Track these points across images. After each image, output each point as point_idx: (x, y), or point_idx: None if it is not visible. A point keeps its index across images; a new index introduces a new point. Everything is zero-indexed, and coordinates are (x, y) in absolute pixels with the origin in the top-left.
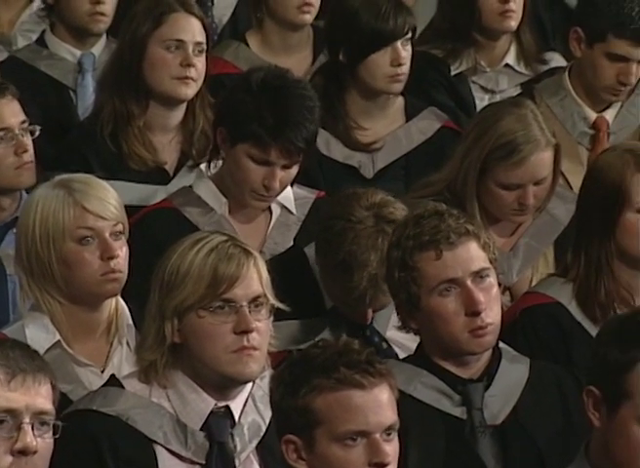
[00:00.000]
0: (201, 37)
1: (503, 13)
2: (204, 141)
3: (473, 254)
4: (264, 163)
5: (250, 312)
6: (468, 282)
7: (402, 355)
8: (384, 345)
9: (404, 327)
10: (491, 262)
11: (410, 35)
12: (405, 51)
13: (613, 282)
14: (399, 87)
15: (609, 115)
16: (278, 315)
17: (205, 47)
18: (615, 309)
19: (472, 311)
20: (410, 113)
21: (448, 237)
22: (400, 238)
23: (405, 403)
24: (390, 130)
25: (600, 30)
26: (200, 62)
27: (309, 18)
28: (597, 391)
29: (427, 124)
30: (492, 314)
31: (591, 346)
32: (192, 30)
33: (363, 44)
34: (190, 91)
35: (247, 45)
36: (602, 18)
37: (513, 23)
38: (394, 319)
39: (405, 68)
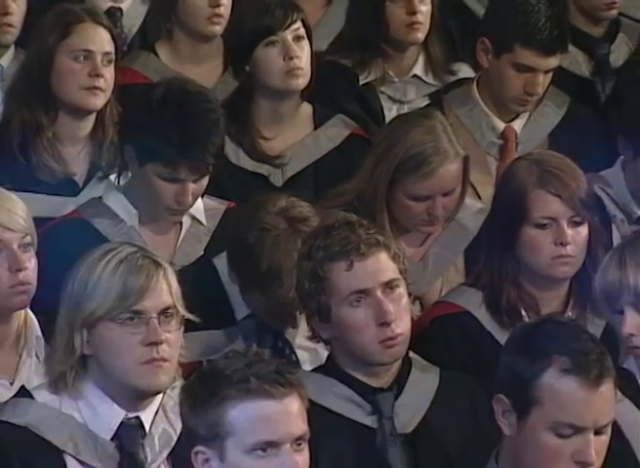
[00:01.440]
0: (109, 47)
1: (411, 25)
2: (114, 152)
3: (383, 265)
4: (175, 180)
5: (160, 323)
6: (378, 292)
7: (312, 361)
8: (294, 358)
9: (314, 337)
10: (401, 273)
11: (301, 30)
12: (298, 46)
13: (517, 292)
14: (299, 82)
15: (517, 125)
16: (188, 326)
17: (114, 57)
18: (522, 317)
19: (382, 322)
20: (318, 121)
21: (358, 248)
22: (311, 249)
23: (315, 413)
24: (299, 138)
25: (507, 41)
26: (109, 73)
27: (219, 29)
28: (506, 399)
29: (336, 131)
30: (402, 324)
31: (500, 355)
32: (100, 40)
33: (248, 42)
34: (99, 101)
35: (156, 55)
36: (509, 28)
37: (420, 35)
38: (303, 327)
39: (300, 62)
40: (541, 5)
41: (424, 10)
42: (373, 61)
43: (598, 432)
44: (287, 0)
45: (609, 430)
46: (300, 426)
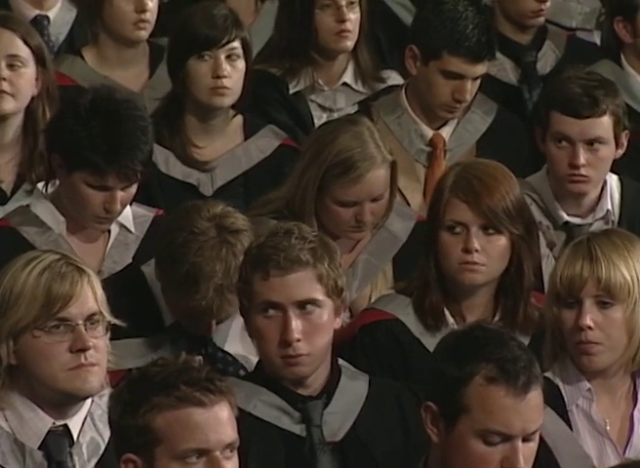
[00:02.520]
0: (18, 50)
1: (339, 33)
2: (42, 160)
3: (302, 284)
4: (103, 188)
5: (86, 330)
6: (289, 310)
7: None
8: (229, 358)
9: (249, 333)
10: (328, 294)
11: (238, 50)
12: (231, 65)
13: (442, 296)
14: (223, 100)
15: (445, 132)
16: (117, 333)
17: (27, 61)
18: (447, 321)
19: (284, 339)
20: (248, 131)
21: (279, 262)
22: (250, 246)
23: (245, 421)
24: (229, 148)
25: (435, 48)
26: (19, 77)
27: (145, 34)
28: (435, 406)
29: (266, 142)
30: (307, 346)
31: (429, 362)
32: (5, 43)
33: (184, 50)
34: (7, 105)
35: (83, 59)
36: (437, 35)
37: (349, 43)
38: (233, 332)
39: (228, 82)
40: (469, 12)
41: (353, 18)
42: (302, 70)
43: (526, 439)
44: (231, 17)
45: (537, 437)
46: (230, 434)
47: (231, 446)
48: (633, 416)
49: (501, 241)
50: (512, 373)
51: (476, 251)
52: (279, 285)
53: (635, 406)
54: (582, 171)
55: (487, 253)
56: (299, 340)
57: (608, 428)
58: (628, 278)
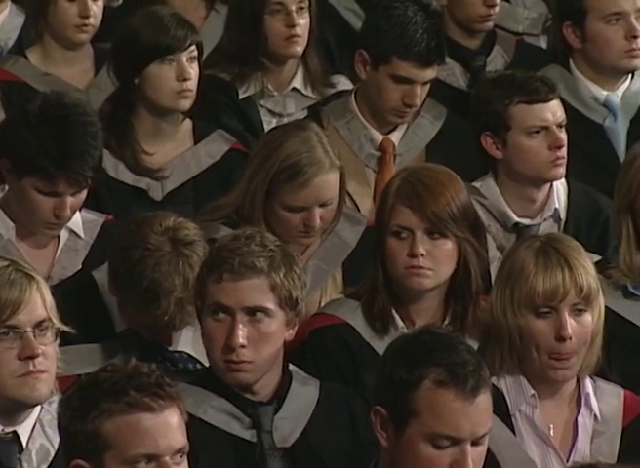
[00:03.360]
0: None
1: (289, 38)
2: None
3: (254, 291)
4: (53, 194)
5: (35, 337)
6: (237, 315)
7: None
8: (185, 355)
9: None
10: (280, 305)
11: (195, 53)
12: (191, 67)
13: (390, 299)
14: (186, 103)
15: (395, 137)
16: (68, 339)
17: None
18: (397, 324)
19: (228, 344)
20: (198, 136)
21: (233, 266)
22: (211, 249)
23: (194, 426)
24: (178, 153)
25: (384, 52)
26: None
27: (87, 37)
28: (384, 410)
29: (216, 147)
30: (251, 354)
31: (378, 366)
32: None
33: (143, 58)
34: None
35: (27, 59)
36: (386, 40)
37: (299, 48)
38: (185, 337)
39: (191, 84)
40: (418, 17)
41: (303, 23)
42: (252, 75)
43: (475, 443)
44: (185, 21)
45: (486, 441)
46: (180, 439)
47: (181, 451)
48: (577, 421)
49: (448, 245)
50: (461, 377)
51: (422, 255)
52: (231, 289)
53: (579, 410)
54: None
55: (433, 258)
56: (243, 346)
57: (552, 433)
58: (596, 282)
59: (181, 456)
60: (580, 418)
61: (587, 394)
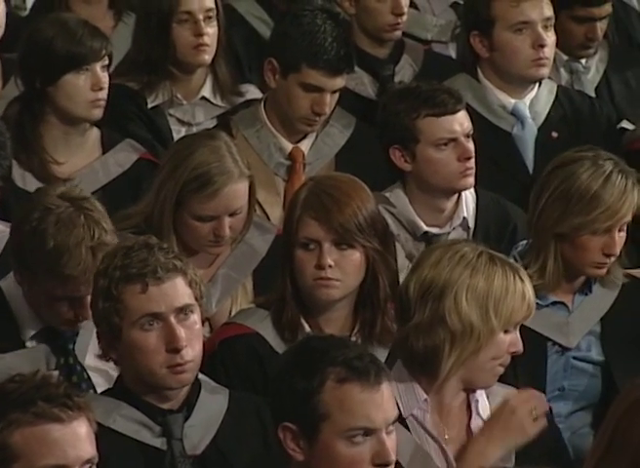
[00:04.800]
0: None
1: (197, 47)
2: None
3: (179, 291)
4: None
5: None
6: (171, 318)
7: (105, 382)
8: (85, 375)
9: (104, 356)
10: (196, 299)
11: (107, 62)
12: (104, 76)
13: (300, 309)
14: (100, 113)
15: (304, 146)
16: None
17: None
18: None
19: (172, 348)
20: (106, 146)
21: (155, 271)
22: (108, 268)
23: (104, 435)
24: (87, 162)
25: (294, 61)
26: None
27: None
28: (292, 425)
29: (124, 156)
30: (192, 352)
31: (273, 384)
32: None
33: (58, 67)
34: None
35: None
36: (296, 48)
37: (207, 57)
38: (93, 344)
39: (105, 94)
40: (327, 26)
41: (211, 32)
42: (160, 84)
43: (387, 431)
44: (98, 31)
45: (394, 429)
46: (89, 450)
47: (90, 462)
48: (471, 427)
49: (355, 255)
50: (362, 369)
51: (330, 266)
52: (158, 294)
53: (471, 417)
54: None
55: (341, 268)
56: (185, 346)
57: (446, 437)
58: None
59: (90, 467)
60: (472, 425)
61: (477, 401)
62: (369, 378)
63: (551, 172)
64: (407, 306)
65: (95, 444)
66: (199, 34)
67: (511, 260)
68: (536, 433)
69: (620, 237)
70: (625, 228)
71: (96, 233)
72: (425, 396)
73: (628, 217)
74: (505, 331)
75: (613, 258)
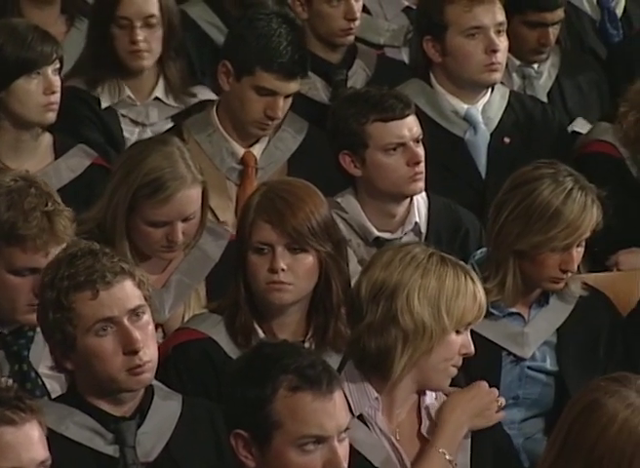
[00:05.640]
0: None
1: (133, 52)
2: None
3: (129, 293)
4: None
5: None
6: (125, 320)
7: (61, 388)
8: (39, 381)
9: (58, 367)
10: (146, 299)
11: (58, 65)
12: (56, 80)
13: (253, 314)
14: (53, 116)
15: (257, 150)
16: None
17: None
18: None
19: (130, 350)
20: (59, 151)
21: (104, 276)
22: (54, 278)
23: (56, 442)
24: (39, 168)
25: (248, 64)
26: None
27: None
28: (244, 432)
29: (77, 161)
30: (149, 352)
31: (226, 390)
32: None
33: (9, 73)
34: None
35: None
36: (250, 51)
37: (144, 62)
38: (47, 355)
39: (57, 97)
40: (282, 29)
41: (150, 37)
42: (112, 85)
43: (339, 439)
44: (48, 35)
45: (347, 437)
46: (42, 452)
47: (43, 464)
48: (421, 433)
49: (308, 259)
50: (314, 377)
51: (282, 270)
52: (109, 299)
53: (421, 423)
54: None
55: (294, 272)
56: (142, 348)
57: (398, 438)
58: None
59: None
60: (423, 430)
61: (426, 407)
62: (321, 387)
63: (511, 189)
64: (358, 307)
65: (47, 447)
66: (134, 40)
67: (463, 263)
68: (497, 421)
69: (579, 252)
70: (584, 243)
71: (49, 201)
72: (377, 394)
73: (587, 234)
74: (457, 332)
75: (570, 274)
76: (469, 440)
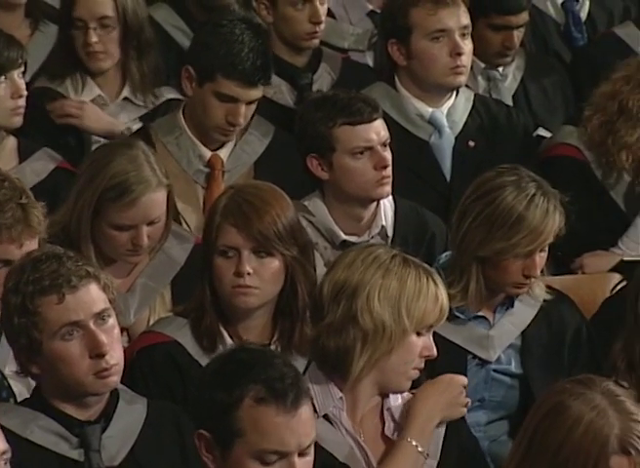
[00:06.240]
0: None
1: (89, 54)
2: None
3: (94, 296)
4: None
5: None
6: (91, 324)
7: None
8: (5, 382)
9: (23, 372)
10: (111, 303)
11: (23, 69)
12: (22, 84)
13: (218, 317)
14: (20, 120)
15: (223, 153)
16: None
17: None
18: (225, 342)
19: (96, 353)
20: (23, 155)
21: (69, 280)
22: (18, 283)
23: (21, 447)
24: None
25: (210, 70)
26: None
27: None
28: (208, 434)
29: (41, 165)
30: (115, 355)
31: (196, 389)
32: None
33: None
34: None
35: None
36: (212, 57)
37: (102, 64)
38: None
39: (24, 101)
40: (245, 36)
41: (107, 39)
42: (75, 80)
43: (302, 453)
44: (14, 39)
45: (312, 450)
46: (1, 445)
47: (3, 456)
48: (385, 435)
49: (274, 263)
50: (281, 392)
51: (248, 274)
52: (75, 303)
53: (384, 425)
54: None
55: (259, 276)
56: (108, 351)
57: (362, 438)
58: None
59: (5, 464)
60: (386, 432)
61: (389, 409)
62: (286, 402)
63: (475, 198)
64: (320, 307)
65: (5, 438)
66: (88, 42)
67: (426, 265)
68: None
69: (542, 258)
70: (547, 249)
71: (23, 195)
72: (341, 394)
73: (550, 239)
74: (418, 334)
75: (533, 279)
76: (442, 430)
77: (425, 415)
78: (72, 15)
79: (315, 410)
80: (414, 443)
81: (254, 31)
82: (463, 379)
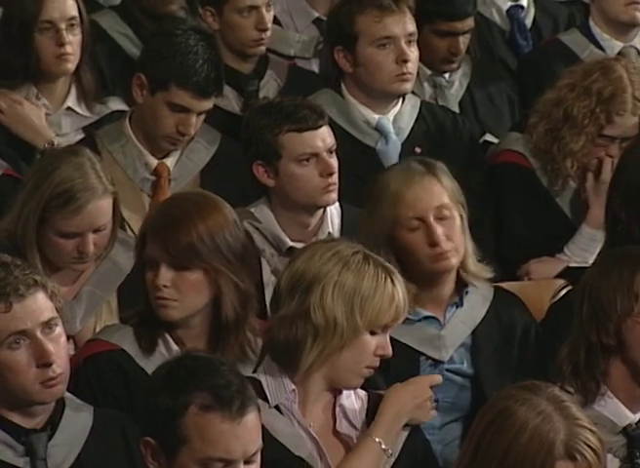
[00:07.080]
0: None
1: (60, 56)
2: None
3: (42, 305)
4: None
5: None
6: (38, 333)
7: None
8: None
9: None
10: (58, 311)
11: None
12: None
13: (162, 327)
14: None
15: (170, 162)
16: None
17: None
18: (169, 347)
19: (43, 363)
20: None
21: (17, 289)
22: None
23: None
24: None
25: (163, 79)
26: None
27: None
28: (154, 440)
29: None
30: (62, 364)
31: (144, 395)
32: None
33: None
34: None
35: None
36: (166, 67)
37: (70, 66)
38: None
39: None
40: (200, 47)
41: (74, 40)
42: (24, 94)
43: (247, 461)
44: None
45: (258, 458)
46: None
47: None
48: (338, 431)
49: (193, 276)
50: (226, 399)
51: (165, 287)
52: (22, 312)
53: (336, 422)
54: None
55: (178, 289)
56: (55, 360)
57: (315, 431)
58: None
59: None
60: (338, 428)
61: (341, 405)
62: (231, 409)
63: None
64: (277, 298)
65: None
66: (61, 44)
67: (388, 265)
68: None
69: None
70: None
71: None
72: (293, 387)
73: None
74: (372, 333)
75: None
76: (406, 433)
77: (394, 415)
78: (38, 18)
79: (267, 401)
80: (378, 440)
81: (207, 42)
82: (438, 378)
